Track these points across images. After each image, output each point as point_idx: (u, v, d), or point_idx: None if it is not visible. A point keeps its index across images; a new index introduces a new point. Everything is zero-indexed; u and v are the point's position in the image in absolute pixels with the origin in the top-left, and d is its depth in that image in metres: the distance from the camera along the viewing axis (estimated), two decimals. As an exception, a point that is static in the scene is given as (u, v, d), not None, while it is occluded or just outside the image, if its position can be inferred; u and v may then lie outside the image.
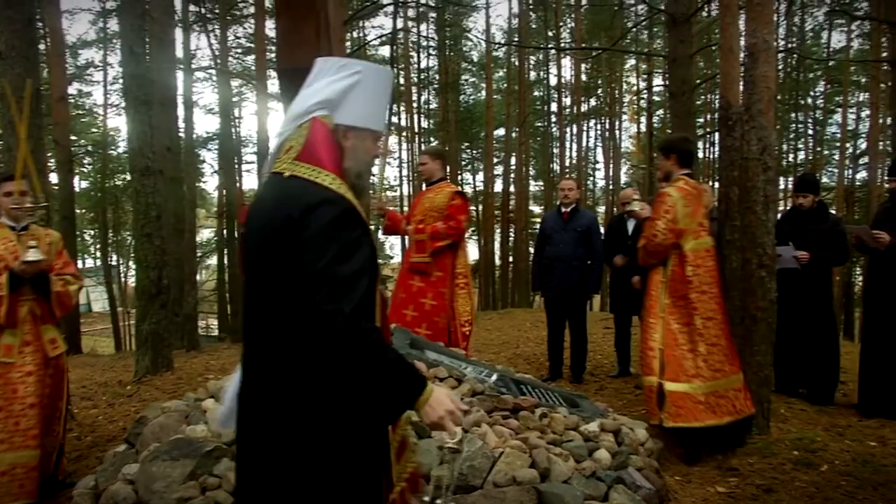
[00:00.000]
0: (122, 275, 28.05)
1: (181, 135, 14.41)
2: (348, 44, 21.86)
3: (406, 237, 6.34)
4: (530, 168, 30.66)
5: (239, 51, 24.20)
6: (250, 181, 26.85)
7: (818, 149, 26.74)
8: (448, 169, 6.63)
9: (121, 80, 14.85)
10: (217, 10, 19.26)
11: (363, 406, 1.85)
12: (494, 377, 4.32)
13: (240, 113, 27.01)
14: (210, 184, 28.81)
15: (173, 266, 10.55)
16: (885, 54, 11.08)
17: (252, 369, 1.94)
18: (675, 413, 4.62)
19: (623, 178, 29.62)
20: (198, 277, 22.16)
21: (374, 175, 5.23)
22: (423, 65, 29.95)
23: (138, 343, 8.21)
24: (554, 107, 28.15)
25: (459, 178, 31.48)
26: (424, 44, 29.08)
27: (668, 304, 4.84)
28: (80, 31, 47.39)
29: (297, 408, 1.82)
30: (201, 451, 3.26)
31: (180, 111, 13.95)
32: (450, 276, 6.01)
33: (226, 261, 22.08)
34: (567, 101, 28.69)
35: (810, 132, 27.03)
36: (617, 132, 29.68)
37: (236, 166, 24.44)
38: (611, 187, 27.63)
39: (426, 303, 5.93)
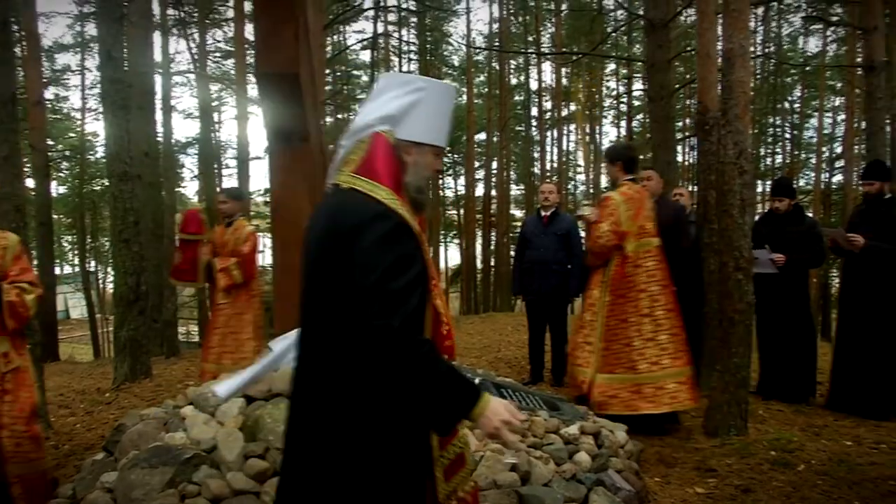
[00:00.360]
0: (101, 281, 27.78)
1: (160, 139, 14.30)
2: (329, 48, 21.81)
3: None
4: (511, 172, 30.74)
5: (218, 55, 24.09)
6: (231, 186, 26.70)
7: (795, 152, 27.01)
8: None
9: (98, 85, 14.73)
10: (196, 14, 19.14)
11: (411, 419, 1.88)
12: (476, 382, 4.33)
13: (220, 117, 26.87)
14: (190, 189, 28.63)
15: (152, 272, 10.49)
16: (859, 59, 11.24)
17: (304, 377, 1.97)
18: (606, 402, 5.09)
19: (604, 182, 29.77)
20: (177, 283, 21.97)
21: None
22: (403, 69, 29.95)
23: (116, 350, 8.15)
24: (535, 111, 28.27)
25: (441, 182, 31.52)
26: (405, 48, 29.08)
27: (609, 301, 5.21)
28: (57, 34, 46.90)
29: (345, 418, 1.85)
30: (180, 459, 3.24)
31: (159, 115, 13.85)
32: None
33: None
34: (548, 105, 28.83)
35: (787, 136, 27.32)
36: (597, 136, 29.87)
37: (216, 171, 24.31)
38: (591, 191, 27.76)
39: None
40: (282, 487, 2.05)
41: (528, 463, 3.33)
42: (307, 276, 1.97)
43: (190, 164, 25.03)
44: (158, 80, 14.89)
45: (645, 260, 5.21)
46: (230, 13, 19.10)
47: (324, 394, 1.88)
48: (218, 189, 24.07)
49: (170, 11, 18.42)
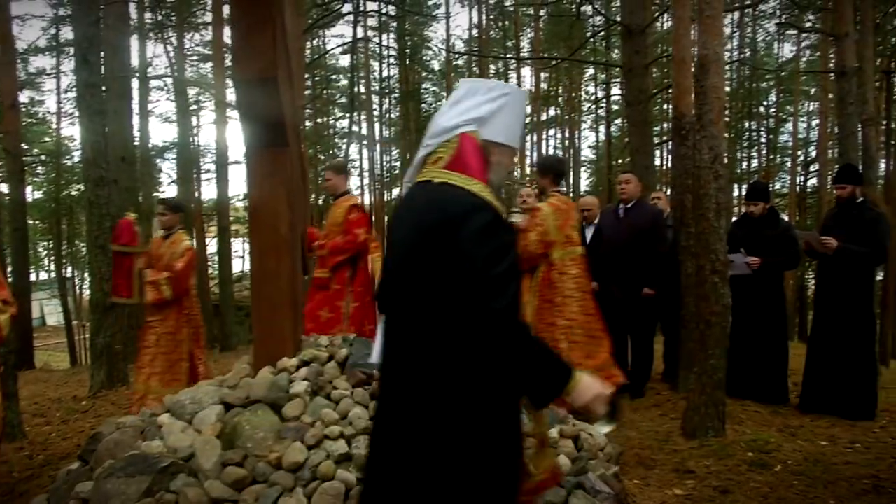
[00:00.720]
0: (77, 287, 27.47)
1: (137, 144, 14.20)
2: (308, 52, 21.79)
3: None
4: (491, 176, 30.75)
5: (196, 58, 23.98)
6: (209, 190, 26.55)
7: (771, 156, 27.34)
8: (350, 182, 6.72)
9: (74, 88, 14.59)
10: (174, 18, 19.03)
11: (509, 397, 1.99)
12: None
13: (198, 121, 26.72)
14: (168, 193, 28.43)
15: (130, 277, 10.37)
16: (832, 65, 11.43)
17: (398, 363, 2.03)
18: None
19: (583, 186, 29.94)
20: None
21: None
22: (383, 74, 29.98)
23: (93, 357, 8.08)
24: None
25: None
26: (385, 53, 29.10)
27: (537, 305, 5.47)
28: (32, 37, 46.24)
29: (446, 400, 1.92)
30: (157, 468, 3.21)
31: (136, 120, 13.75)
32: (346, 290, 6.10)
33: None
34: (527, 109, 28.91)
35: (763, 140, 27.63)
36: (577, 140, 30.02)
37: (195, 176, 24.16)
38: (571, 194, 27.87)
39: (322, 315, 6.00)
40: (377, 474, 2.07)
41: (507, 467, 3.34)
42: (398, 266, 2.04)
43: (168, 168, 24.83)
44: (135, 84, 14.80)
45: (570, 267, 5.54)
46: (208, 17, 19.03)
47: (422, 377, 1.95)
48: (196, 194, 24.01)
49: (147, 15, 18.31)
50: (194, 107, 25.01)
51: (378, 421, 2.12)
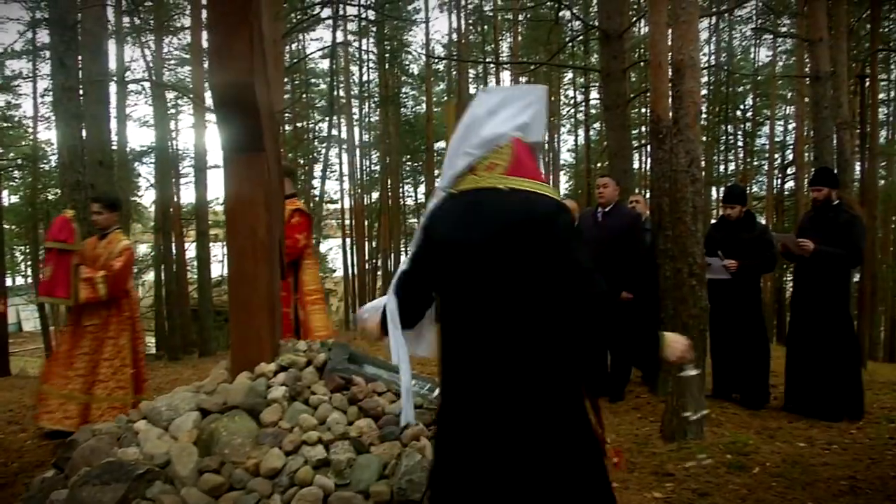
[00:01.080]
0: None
1: (114, 148, 14.06)
2: (287, 56, 21.70)
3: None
4: (471, 180, 30.80)
5: (174, 62, 23.83)
6: (188, 195, 26.35)
7: (748, 160, 27.60)
8: (297, 185, 6.67)
9: (51, 92, 14.43)
10: (152, 22, 18.88)
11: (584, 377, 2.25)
12: (437, 391, 4.33)
13: (177, 126, 26.54)
14: (146, 198, 28.14)
15: (106, 283, 10.27)
16: (807, 69, 11.56)
17: (482, 355, 2.13)
18: None
19: (563, 189, 30.04)
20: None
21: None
22: (363, 78, 29.95)
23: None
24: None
25: (401, 190, 31.51)
26: (364, 57, 29.08)
27: None
28: (8, 40, 45.73)
29: (547, 377, 2.11)
30: (133, 475, 3.18)
31: (113, 124, 13.62)
32: (292, 295, 6.01)
33: (163, 276, 21.56)
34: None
35: (740, 144, 27.89)
36: (556, 144, 30.14)
37: (173, 180, 23.98)
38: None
39: None
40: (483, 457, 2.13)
41: (486, 471, 3.34)
42: (483, 269, 2.12)
43: (146, 172, 24.62)
44: (113, 87, 14.66)
45: None
46: (187, 21, 18.92)
47: (520, 359, 2.09)
48: (175, 198, 23.83)
49: (125, 19, 18.16)
50: (173, 110, 24.85)
51: (468, 410, 2.18)
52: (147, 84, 20.53)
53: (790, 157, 25.85)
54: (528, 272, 2.06)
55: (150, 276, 26.09)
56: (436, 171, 28.79)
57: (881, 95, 21.45)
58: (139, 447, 3.47)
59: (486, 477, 2.13)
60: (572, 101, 29.83)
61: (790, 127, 26.72)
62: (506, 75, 27.66)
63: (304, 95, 26.75)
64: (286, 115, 21.54)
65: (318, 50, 25.20)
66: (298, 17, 17.55)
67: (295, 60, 23.44)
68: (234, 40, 3.31)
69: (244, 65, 3.36)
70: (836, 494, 4.19)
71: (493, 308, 2.11)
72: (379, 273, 29.69)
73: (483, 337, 2.13)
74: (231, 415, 3.48)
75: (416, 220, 31.07)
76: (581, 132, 28.31)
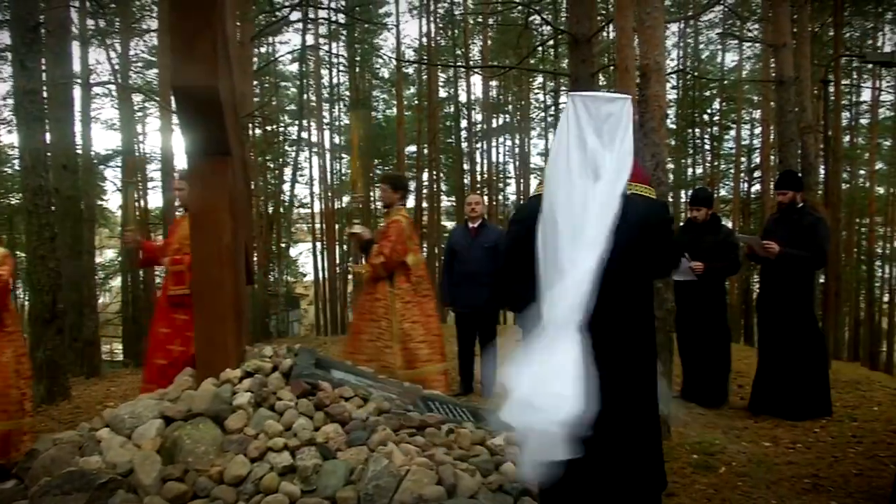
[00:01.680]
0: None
1: (79, 151, 13.83)
2: (256, 59, 21.53)
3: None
4: (442, 184, 30.86)
5: (140, 65, 23.51)
6: (155, 198, 26.00)
7: (715, 163, 27.92)
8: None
9: (13, 95, 14.16)
10: (118, 24, 18.61)
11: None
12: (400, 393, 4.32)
13: (144, 129, 26.21)
14: (112, 202, 27.73)
15: (71, 289, 10.12)
16: (773, 74, 11.75)
17: (612, 319, 2.69)
18: None
19: (534, 192, 30.06)
20: (100, 300, 21.26)
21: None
22: (333, 81, 29.84)
23: (33, 371, 7.82)
24: (464, 123, 28.47)
25: (371, 194, 31.41)
26: (335, 61, 28.95)
27: (399, 308, 6.07)
28: (-31, 43, 44.70)
29: (646, 326, 2.91)
30: (95, 484, 3.13)
31: (78, 127, 13.40)
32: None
33: (129, 281, 21.28)
34: (477, 117, 29.08)
35: (708, 147, 28.22)
36: (527, 147, 30.27)
37: (140, 184, 23.68)
38: (521, 201, 28.08)
39: (174, 349, 5.31)
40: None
41: (454, 476, 3.32)
42: (620, 252, 2.64)
43: (112, 176, 24.28)
44: (78, 90, 14.44)
45: (420, 270, 6.26)
46: (154, 23, 18.67)
47: (637, 316, 2.83)
48: (142, 202, 23.52)
49: (90, 21, 17.88)
50: (139, 114, 24.55)
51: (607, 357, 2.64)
52: (113, 87, 20.26)
53: (756, 160, 26.21)
54: (639, 256, 2.75)
55: (116, 281, 25.75)
56: (407, 175, 28.79)
57: (844, 101, 21.85)
58: (101, 456, 3.41)
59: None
60: (542, 105, 29.95)
61: (756, 131, 27.10)
62: (476, 79, 27.76)
63: (273, 99, 26.56)
64: (256, 118, 21.38)
65: (288, 53, 25.05)
66: (268, 19, 17.43)
67: (264, 63, 23.27)
68: (197, 42, 3.27)
69: (208, 67, 3.32)
70: (800, 493, 4.26)
71: (622, 281, 2.74)
72: (350, 277, 29.57)
73: (614, 302, 2.72)
74: (195, 422, 3.44)
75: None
76: (551, 136, 28.43)
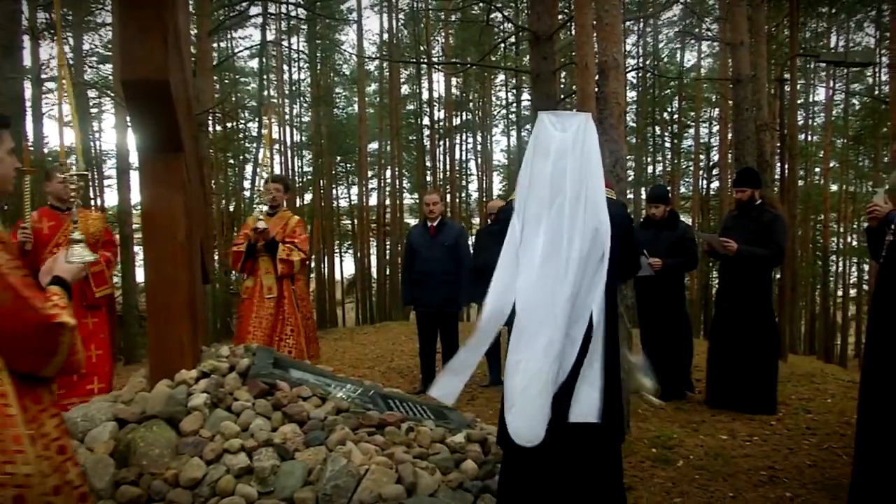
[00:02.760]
0: None
1: (31, 149, 13.49)
2: (215, 55, 21.24)
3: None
4: (405, 181, 30.82)
5: (96, 60, 23.05)
6: (111, 197, 25.52)
7: (675, 161, 28.29)
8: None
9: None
10: (71, 18, 18.21)
11: None
12: (359, 391, 4.28)
13: (99, 126, 25.72)
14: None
15: (23, 289, 9.84)
16: (731, 73, 11.91)
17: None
18: None
19: (496, 190, 30.27)
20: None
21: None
22: (294, 77, 29.58)
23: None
24: (427, 120, 28.46)
25: (334, 191, 31.23)
26: (295, 56, 28.70)
27: (300, 299, 6.34)
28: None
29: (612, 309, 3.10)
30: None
31: (29, 124, 13.09)
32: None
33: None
34: (440, 114, 29.10)
35: (668, 145, 28.58)
36: (489, 145, 30.36)
37: (95, 182, 23.24)
38: (483, 199, 28.18)
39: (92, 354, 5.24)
40: None
41: (413, 474, 3.30)
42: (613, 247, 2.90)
43: (66, 174, 23.73)
44: (29, 85, 14.11)
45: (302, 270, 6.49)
46: (109, 17, 18.33)
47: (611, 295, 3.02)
48: (97, 200, 23.07)
49: (41, 14, 17.47)
50: (94, 110, 24.08)
51: None
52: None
53: (715, 158, 26.62)
54: (617, 250, 2.94)
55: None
56: (369, 172, 28.71)
57: (799, 100, 22.27)
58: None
59: None
60: (504, 103, 30.07)
61: (714, 129, 27.52)
62: (439, 76, 27.75)
63: (233, 94, 26.24)
64: (216, 114, 21.09)
65: (248, 48, 24.74)
66: (226, 13, 17.20)
67: (223, 59, 22.97)
68: (147, 37, 3.19)
69: (158, 63, 3.25)
70: (756, 485, 4.32)
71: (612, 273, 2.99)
72: (312, 275, 29.37)
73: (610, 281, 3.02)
74: (149, 424, 3.37)
75: (349, 222, 30.90)
76: (513, 133, 28.58)
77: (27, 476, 1.82)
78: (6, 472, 1.80)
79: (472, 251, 7.26)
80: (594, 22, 5.56)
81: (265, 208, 6.30)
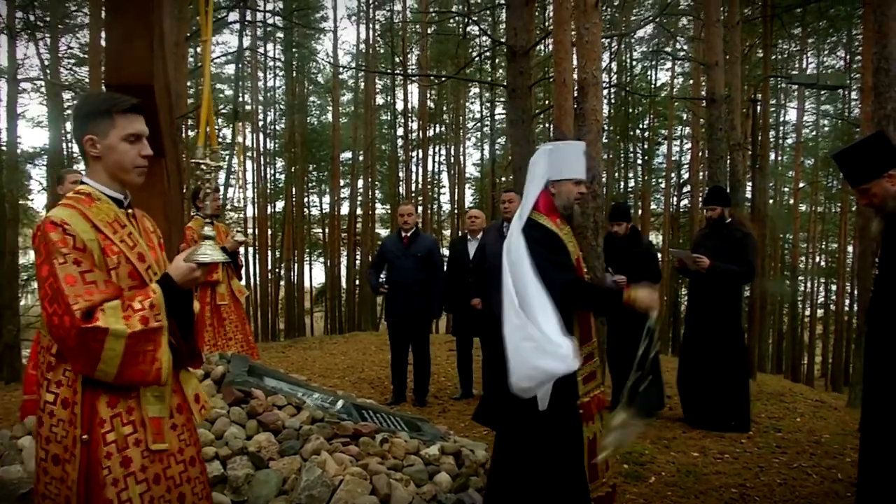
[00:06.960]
0: None
1: (3, 148, 13.29)
2: (191, 59, 21.09)
3: None
4: (377, 191, 30.79)
5: (72, 61, 22.74)
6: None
7: (646, 177, 28.59)
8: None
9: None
10: (48, 18, 17.97)
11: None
12: (340, 403, 4.27)
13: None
14: (38, 201, 26.67)
15: (-11, 292, 9.70)
16: (703, 92, 12.10)
17: None
18: None
19: (467, 202, 30.33)
20: (22, 303, 20.43)
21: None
22: (269, 84, 29.46)
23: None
24: (400, 131, 28.51)
25: (306, 200, 31.09)
26: (271, 64, 28.60)
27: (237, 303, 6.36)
28: None
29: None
30: (16, 494, 3.01)
31: (3, 123, 12.89)
32: None
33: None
34: (414, 125, 29.14)
35: (639, 162, 28.88)
36: (462, 157, 30.43)
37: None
38: (455, 210, 28.23)
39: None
40: None
41: (388, 486, 3.30)
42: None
43: (38, 175, 23.38)
44: (4, 85, 13.90)
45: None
46: (86, 19, 18.11)
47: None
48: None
49: (18, 14, 17.23)
50: (69, 111, 23.72)
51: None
52: (42, 83, 19.56)
53: (685, 175, 26.96)
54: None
55: (39, 283, 24.72)
56: (342, 181, 28.65)
57: (770, 120, 22.67)
58: (23, 465, 3.28)
59: None
60: (478, 116, 30.21)
61: (686, 146, 27.89)
62: (414, 88, 27.80)
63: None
64: (192, 120, 20.91)
65: (224, 55, 24.59)
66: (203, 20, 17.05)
67: (199, 65, 22.79)
68: (134, 42, 3.18)
69: (143, 68, 3.23)
70: (728, 502, 4.37)
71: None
72: (282, 283, 29.17)
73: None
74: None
75: (320, 231, 30.75)
76: (486, 146, 28.70)
77: None
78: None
79: (445, 262, 7.28)
80: (573, 39, 5.63)
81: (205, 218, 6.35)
